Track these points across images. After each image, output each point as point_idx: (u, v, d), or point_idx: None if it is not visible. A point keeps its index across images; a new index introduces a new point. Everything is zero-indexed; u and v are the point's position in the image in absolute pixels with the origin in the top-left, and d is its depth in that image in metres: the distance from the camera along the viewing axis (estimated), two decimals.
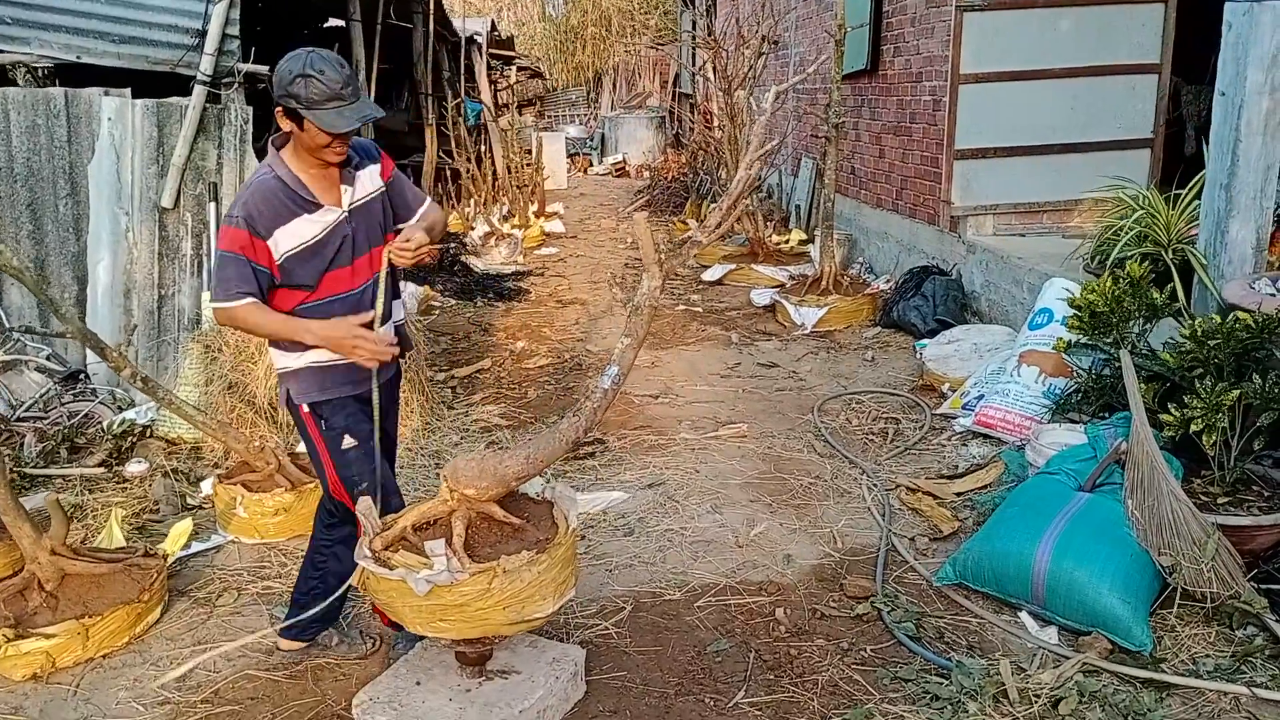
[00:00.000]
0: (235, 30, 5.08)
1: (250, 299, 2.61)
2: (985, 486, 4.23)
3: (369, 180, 2.81)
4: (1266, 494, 3.47)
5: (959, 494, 4.20)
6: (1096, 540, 3.19)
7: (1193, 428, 3.28)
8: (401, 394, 5.08)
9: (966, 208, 6.71)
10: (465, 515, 2.55)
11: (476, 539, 2.55)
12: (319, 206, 2.67)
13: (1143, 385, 3.60)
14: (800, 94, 10.65)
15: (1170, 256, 4.38)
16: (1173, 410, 3.40)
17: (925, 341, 6.23)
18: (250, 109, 5.28)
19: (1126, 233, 4.47)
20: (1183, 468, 3.48)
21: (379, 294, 2.78)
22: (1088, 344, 3.93)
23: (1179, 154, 7.66)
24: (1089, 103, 6.53)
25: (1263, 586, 3.18)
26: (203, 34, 4.98)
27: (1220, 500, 3.46)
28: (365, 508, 2.57)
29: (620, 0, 21.93)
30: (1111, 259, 4.51)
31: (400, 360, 3.07)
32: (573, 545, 2.63)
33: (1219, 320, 3.31)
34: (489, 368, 6.14)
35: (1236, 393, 3.21)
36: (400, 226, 2.86)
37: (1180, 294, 4.33)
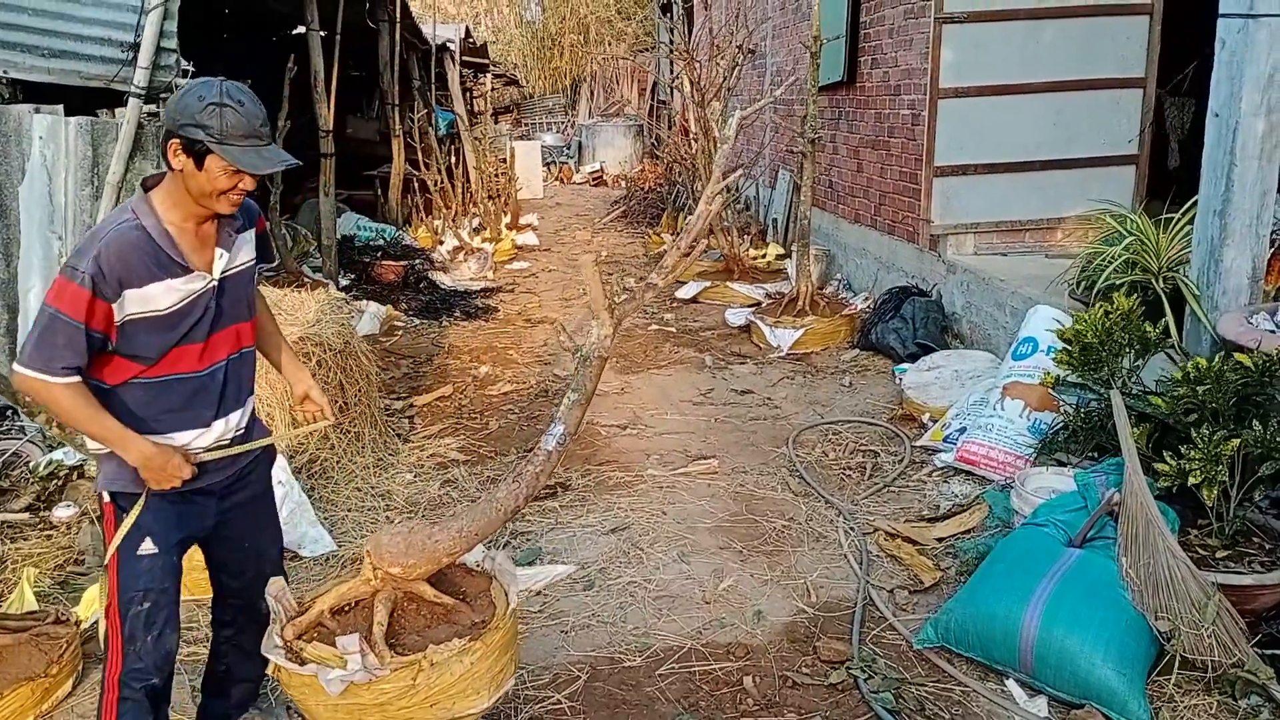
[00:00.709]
0: (172, 43, 4.78)
1: (75, 378, 2.12)
2: (969, 531, 3.99)
3: (246, 247, 2.38)
4: (1268, 546, 3.25)
5: (940, 539, 3.95)
6: (1089, 603, 2.94)
7: (1190, 480, 3.04)
8: (353, 427, 4.84)
9: (946, 226, 6.49)
10: (390, 597, 2.28)
11: (403, 623, 2.28)
12: (187, 271, 2.21)
13: (1135, 429, 3.36)
14: (777, 105, 10.43)
15: (1161, 285, 4.16)
16: (1168, 459, 3.17)
17: (905, 366, 6.00)
18: None
19: (1115, 260, 4.24)
20: (1178, 518, 3.25)
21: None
22: (1077, 382, 3.69)
23: (1162, 168, 7.48)
24: (1072, 118, 6.32)
25: (1267, 652, 2.95)
26: (136, 46, 4.68)
27: (1219, 554, 3.23)
28: (278, 589, 2.30)
29: (599, 8, 21.69)
30: (1099, 287, 4.28)
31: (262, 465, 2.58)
32: (513, 628, 2.36)
33: (1211, 363, 3.07)
34: (450, 395, 5.86)
35: (1236, 442, 2.98)
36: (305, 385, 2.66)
37: (1172, 325, 4.10)
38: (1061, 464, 3.85)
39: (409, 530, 2.32)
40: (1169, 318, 4.13)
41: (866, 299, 7.46)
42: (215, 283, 2.27)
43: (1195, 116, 8.90)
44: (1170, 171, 8.31)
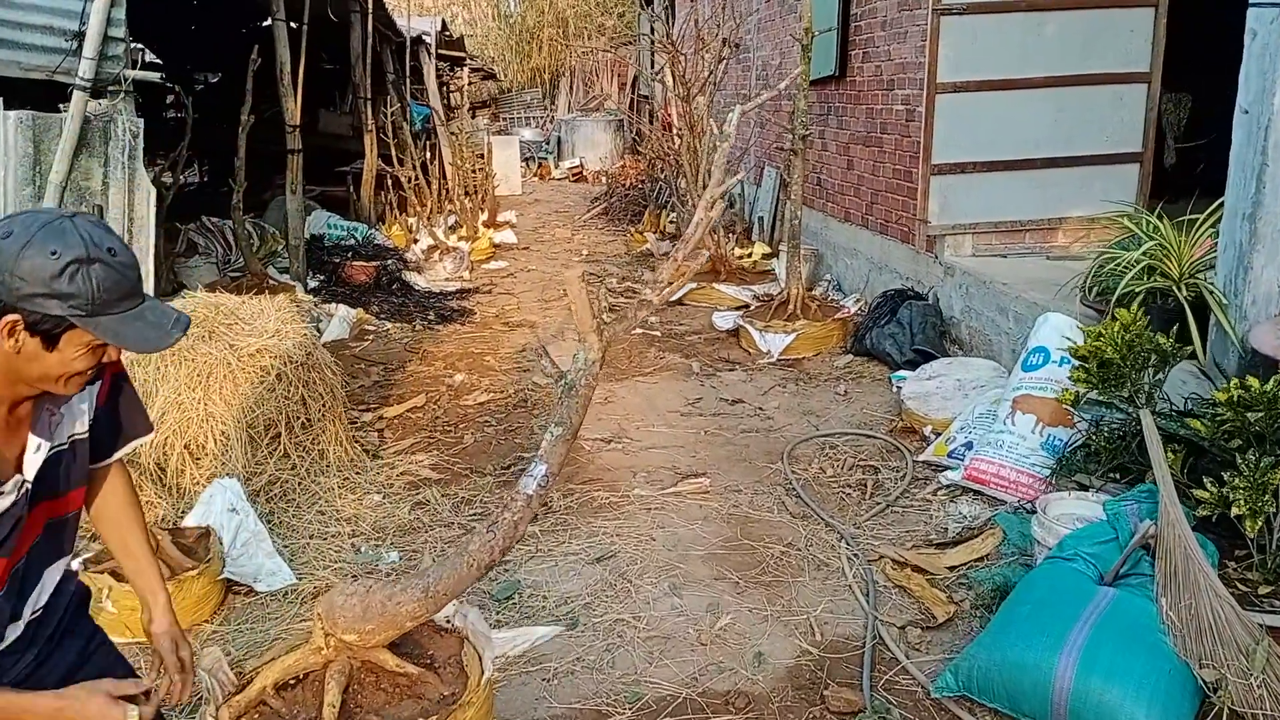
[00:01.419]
0: (120, 31, 4.42)
1: None
2: (982, 559, 3.70)
3: (78, 414, 1.67)
4: None
5: (952, 568, 3.67)
6: (1128, 651, 2.66)
7: (1234, 510, 2.77)
8: (316, 445, 4.50)
9: (944, 226, 6.21)
10: (344, 669, 1.96)
11: (360, 699, 1.97)
12: None
13: (1169, 453, 3.09)
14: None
15: (1183, 293, 3.89)
16: (1209, 487, 2.90)
17: (902, 373, 5.72)
18: (141, 121, 4.62)
19: (1134, 265, 3.97)
20: (1217, 551, 2.98)
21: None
22: (1100, 400, 3.41)
23: (1159, 166, 7.24)
24: (1074, 114, 6.06)
25: None
26: (81, 35, 4.32)
27: (1262, 590, 2.96)
28: (212, 662, 1.97)
29: (578, 0, 21.32)
30: (1118, 293, 4.01)
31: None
32: (488, 701, 2.04)
33: (1266, 386, 2.79)
34: (423, 406, 5.53)
35: None
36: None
37: (1195, 337, 3.83)
38: (1083, 487, 3.58)
39: (366, 590, 2.00)
40: (1191, 326, 3.86)
41: (858, 301, 7.18)
42: (27, 486, 1.57)
43: (1192, 113, 8.71)
44: (1166, 170, 8.10)
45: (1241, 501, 2.71)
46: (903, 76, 6.52)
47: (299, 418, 4.34)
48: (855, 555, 3.79)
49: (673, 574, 3.67)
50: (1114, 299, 3.97)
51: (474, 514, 4.17)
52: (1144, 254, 3.96)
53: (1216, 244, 3.99)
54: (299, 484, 4.29)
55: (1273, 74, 3.43)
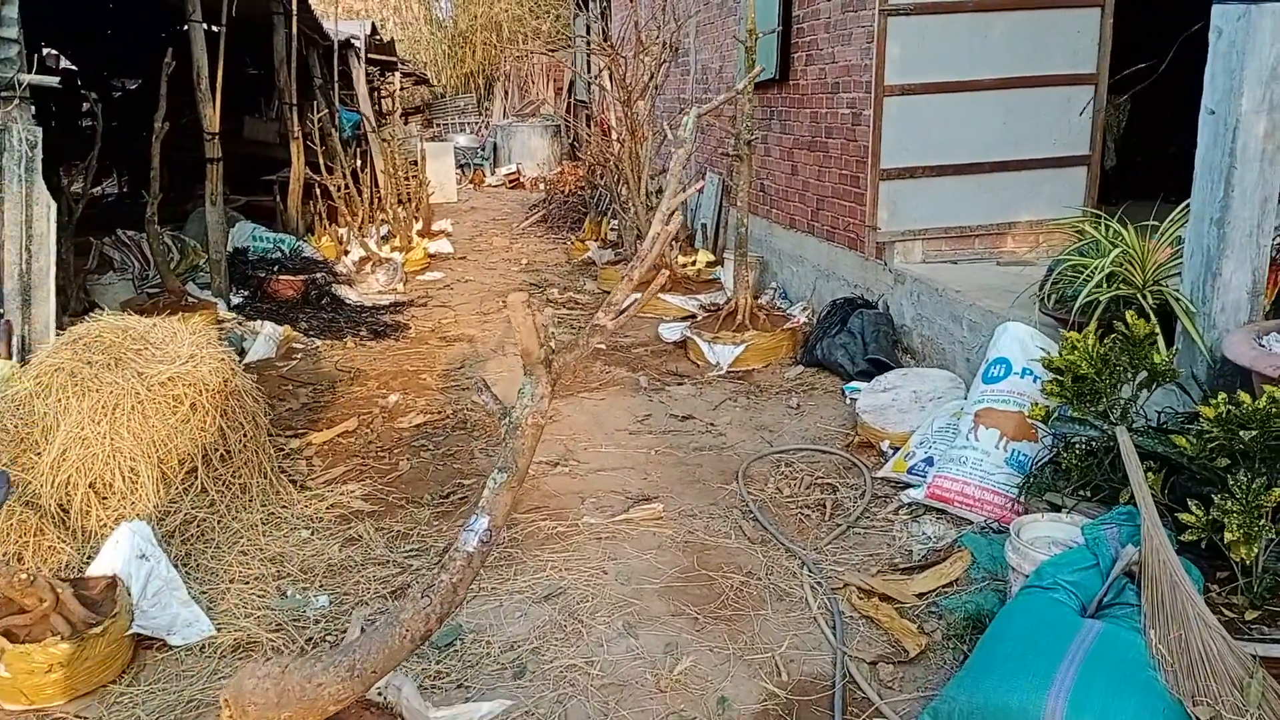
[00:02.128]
0: (13, 32, 4.05)
1: None
2: (951, 584, 3.52)
3: None
4: None
5: (921, 595, 3.48)
6: (1119, 690, 2.48)
7: (1227, 536, 2.61)
8: (237, 479, 4.17)
9: (894, 232, 6.06)
10: None
11: None
12: None
13: (1149, 474, 2.93)
14: (704, 103, 9.95)
15: (1148, 302, 3.76)
16: (1194, 509, 2.74)
17: (855, 385, 5.56)
18: (39, 130, 4.25)
19: (1099, 271, 3.83)
20: (1202, 576, 2.83)
21: None
22: (1075, 418, 3.25)
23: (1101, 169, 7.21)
24: (1023, 117, 5.96)
25: None
26: None
27: (1249, 616, 2.81)
28: None
29: (511, 4, 20.98)
30: (1081, 302, 3.86)
31: None
32: None
33: (1258, 403, 2.64)
34: (355, 429, 5.20)
35: (1278, 492, 2.56)
36: None
37: (1161, 346, 3.69)
38: (1054, 507, 3.41)
39: (282, 670, 1.72)
40: (1158, 335, 3.72)
41: (805, 309, 7.02)
42: None
43: (1130, 116, 8.74)
44: (1107, 172, 8.09)
45: (1235, 526, 2.55)
46: (848, 79, 6.37)
47: (217, 450, 4.01)
48: (819, 583, 3.58)
49: (627, 611, 3.43)
50: (1076, 308, 3.82)
51: (411, 550, 3.88)
52: (1110, 261, 3.81)
53: (1179, 250, 3.88)
54: (218, 522, 3.95)
55: (1239, 73, 3.31)
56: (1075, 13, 5.82)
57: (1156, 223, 4.00)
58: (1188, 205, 3.77)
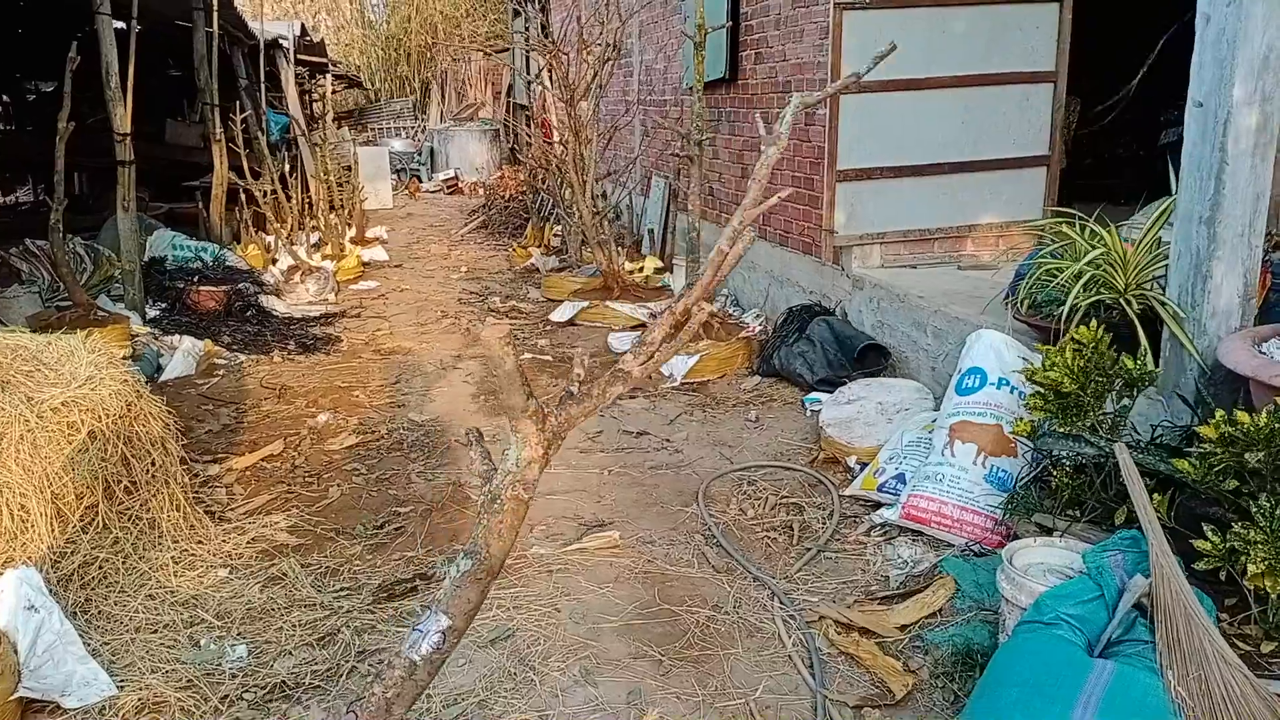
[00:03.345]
0: None
1: None
2: (935, 615, 3.26)
3: None
4: None
5: (903, 627, 3.21)
6: None
7: (1250, 568, 2.37)
8: (144, 513, 3.75)
9: (851, 236, 5.83)
10: None
11: None
12: None
13: (1157, 496, 2.69)
14: (649, 106, 9.69)
15: (1133, 308, 3.54)
16: (1210, 536, 2.50)
17: (815, 396, 5.31)
18: None
19: (1079, 277, 3.60)
20: (1214, 606, 2.59)
21: None
22: (1065, 433, 3.01)
23: None
24: (982, 116, 5.78)
25: None
26: None
27: (1265, 648, 2.59)
28: None
29: (446, 5, 20.51)
30: (1067, 308, 3.63)
31: None
32: None
33: (1254, 418, 2.41)
34: (280, 453, 4.79)
35: None
36: None
37: (1148, 354, 3.49)
38: (1044, 529, 3.17)
39: None
40: (1143, 342, 3.51)
41: (759, 317, 6.77)
42: None
43: (1080, 116, 8.67)
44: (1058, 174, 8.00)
45: (1259, 558, 2.31)
46: (800, 78, 6.13)
47: (121, 481, 3.58)
48: (792, 617, 3.29)
49: (584, 655, 3.10)
50: (1062, 314, 3.59)
51: (341, 589, 3.50)
52: (1089, 264, 3.59)
53: (1159, 253, 3.68)
54: (123, 562, 3.53)
55: (1230, 62, 3.11)
56: (1034, 8, 5.66)
57: (1138, 222, 3.80)
58: (1168, 203, 3.58)
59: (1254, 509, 2.37)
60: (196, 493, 4.17)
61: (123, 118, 6.48)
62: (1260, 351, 3.01)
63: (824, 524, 3.97)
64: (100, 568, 3.46)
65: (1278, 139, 3.24)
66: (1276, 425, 2.44)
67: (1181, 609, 2.47)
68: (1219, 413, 2.60)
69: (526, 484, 1.74)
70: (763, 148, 2.30)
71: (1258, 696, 2.33)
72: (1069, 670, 2.41)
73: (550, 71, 7.66)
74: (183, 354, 5.94)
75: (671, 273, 8.03)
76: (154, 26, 9.03)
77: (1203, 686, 2.35)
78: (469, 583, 1.62)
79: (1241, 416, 2.51)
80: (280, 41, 12.26)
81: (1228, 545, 2.44)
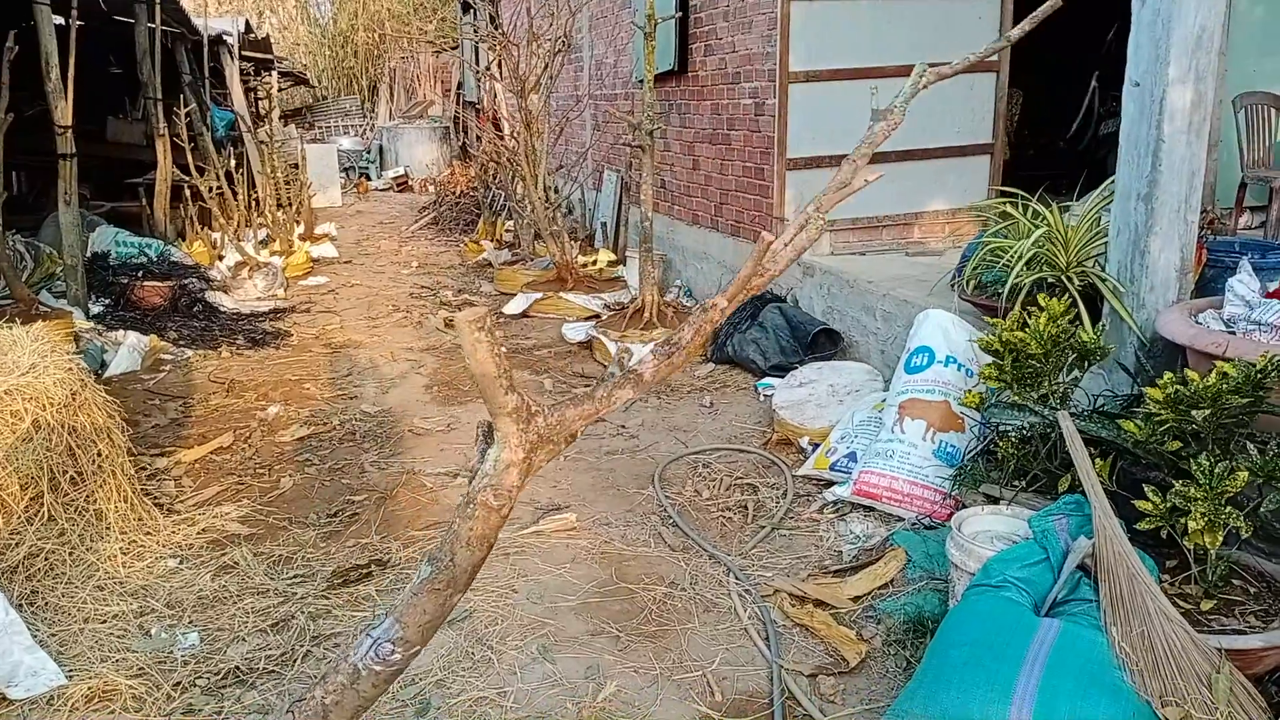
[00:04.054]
0: None
1: None
2: (887, 585, 3.31)
3: None
4: (1253, 590, 2.72)
5: (856, 599, 3.26)
6: (1086, 695, 2.29)
7: (1191, 525, 2.45)
8: (90, 504, 3.68)
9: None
10: None
11: None
12: None
13: (1098, 461, 2.77)
14: (599, 100, 9.70)
15: (1075, 284, 3.63)
16: (1151, 496, 2.58)
17: (768, 381, 5.36)
18: None
19: (1022, 256, 3.69)
20: (1156, 566, 2.67)
21: None
22: (1013, 403, 3.07)
23: None
24: (927, 105, 5.79)
25: None
26: None
27: (1205, 606, 2.66)
28: None
29: (392, 3, 20.33)
30: (1009, 286, 3.71)
31: None
32: None
33: (1207, 381, 2.49)
34: (230, 445, 4.73)
35: (1245, 475, 2.41)
36: None
37: (1088, 328, 3.57)
38: (991, 499, 3.24)
39: None
40: (1083, 316, 3.60)
41: None
42: None
43: (1022, 108, 8.85)
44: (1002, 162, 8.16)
45: (1199, 514, 2.38)
46: (749, 68, 6.19)
47: (66, 472, 3.51)
48: (747, 591, 3.33)
49: (541, 633, 3.10)
50: (1006, 292, 3.67)
51: (295, 576, 3.46)
52: (1034, 243, 3.68)
53: (1099, 231, 3.78)
54: (70, 554, 3.46)
55: (1165, 42, 3.20)
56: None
57: (1070, 201, 3.90)
58: (1108, 183, 3.67)
59: (1194, 468, 2.44)
60: (144, 486, 4.10)
61: (64, 110, 6.34)
62: (1196, 321, 3.11)
63: (778, 503, 4.02)
64: (46, 559, 3.39)
65: (1211, 118, 3.35)
66: (1223, 385, 2.52)
67: (1124, 568, 2.54)
68: (1167, 374, 2.67)
69: (499, 490, 1.58)
70: (870, 124, 2.08)
71: (1197, 650, 2.40)
72: (1017, 629, 2.47)
73: (500, 64, 7.64)
74: (128, 349, 5.83)
75: (625, 265, 8.04)
76: (94, 22, 8.85)
77: (1145, 642, 2.41)
78: (427, 592, 1.51)
79: (1192, 375, 2.59)
80: (224, 37, 12.07)
81: (1168, 504, 2.51)
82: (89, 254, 7.28)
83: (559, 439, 1.81)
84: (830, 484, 4.10)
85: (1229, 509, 2.38)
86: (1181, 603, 2.69)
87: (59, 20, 7.26)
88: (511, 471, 1.66)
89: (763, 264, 1.98)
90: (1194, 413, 2.45)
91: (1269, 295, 3.16)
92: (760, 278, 2.03)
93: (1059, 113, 8.86)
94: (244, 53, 13.23)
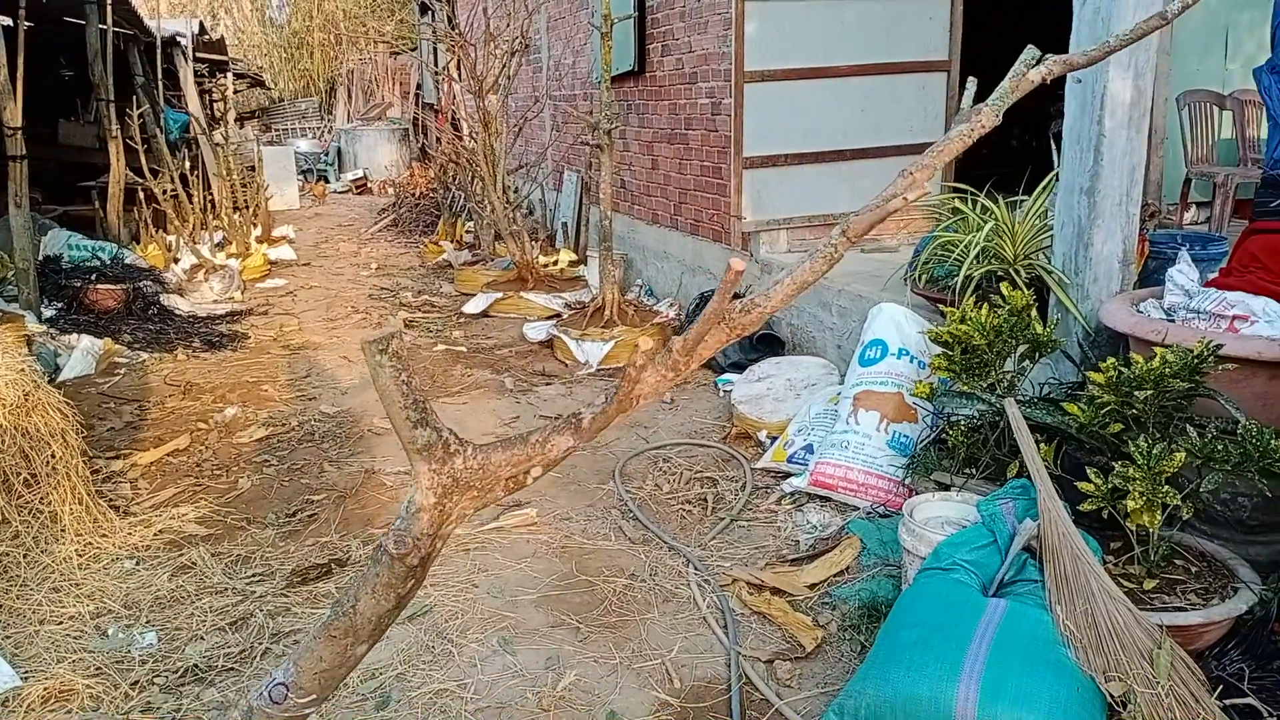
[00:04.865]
0: None
1: None
2: (843, 573, 3.37)
3: None
4: (1194, 569, 2.80)
5: (813, 586, 3.31)
6: (1032, 671, 2.35)
7: (1130, 504, 2.53)
8: (45, 506, 3.64)
9: (759, 222, 5.97)
10: None
11: None
12: None
13: (1043, 446, 2.84)
14: (559, 101, 9.72)
15: (1022, 276, 3.72)
16: (1093, 478, 2.66)
17: (728, 377, 5.41)
18: None
19: (973, 248, 3.77)
20: (1099, 547, 2.75)
21: None
22: (961, 392, 3.15)
23: None
24: (880, 104, 5.97)
25: (1227, 703, 2.47)
26: None
27: (1148, 585, 2.74)
28: None
29: (348, 3, 20.19)
30: (960, 278, 3.79)
31: None
32: None
33: (1150, 365, 2.57)
34: (187, 447, 4.69)
35: (1182, 455, 2.49)
36: None
37: (1035, 319, 3.66)
38: (943, 486, 3.31)
39: None
40: (1032, 310, 3.68)
41: (672, 304, 6.86)
42: None
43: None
44: (953, 162, 8.29)
45: (1138, 494, 2.46)
46: (706, 68, 6.24)
47: (19, 474, 3.48)
48: (706, 581, 3.37)
49: (502, 626, 3.12)
50: (956, 285, 3.75)
51: (254, 575, 3.45)
52: (981, 237, 3.76)
53: (1045, 224, 3.87)
54: (24, 556, 3.43)
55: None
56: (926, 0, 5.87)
57: (1024, 196, 3.99)
58: (1054, 177, 3.76)
59: (1132, 449, 2.52)
60: (100, 488, 4.07)
61: (13, 112, 6.25)
62: (1137, 311, 3.20)
63: (737, 495, 4.07)
64: (0, 562, 3.36)
65: (1150, 113, 3.45)
66: (1165, 369, 2.60)
67: (1068, 549, 2.61)
68: (1110, 359, 2.75)
69: (402, 538, 1.44)
70: (956, 122, 1.71)
71: (1139, 627, 2.48)
72: (965, 609, 2.54)
73: (459, 65, 7.63)
74: (81, 353, 5.76)
75: (586, 264, 8.07)
76: (44, 24, 8.71)
77: (1089, 619, 2.49)
78: (324, 639, 1.40)
79: (1136, 357, 2.67)
80: (178, 39, 11.93)
81: (1110, 486, 2.59)
82: (41, 257, 7.18)
83: (483, 485, 1.59)
84: (788, 476, 4.16)
85: (1166, 488, 2.46)
86: (1125, 582, 2.77)
87: (6, 21, 7.17)
88: (421, 517, 1.51)
89: (732, 314, 1.65)
90: (1137, 394, 2.53)
91: (1207, 284, 3.27)
92: (748, 315, 1.66)
93: (1012, 112, 9.01)
94: (198, 54, 13.08)
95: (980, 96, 1.90)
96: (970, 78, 1.98)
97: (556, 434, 1.69)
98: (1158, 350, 2.64)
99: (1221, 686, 2.51)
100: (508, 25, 7.43)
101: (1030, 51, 1.84)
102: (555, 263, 8.18)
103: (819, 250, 1.67)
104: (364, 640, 1.50)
